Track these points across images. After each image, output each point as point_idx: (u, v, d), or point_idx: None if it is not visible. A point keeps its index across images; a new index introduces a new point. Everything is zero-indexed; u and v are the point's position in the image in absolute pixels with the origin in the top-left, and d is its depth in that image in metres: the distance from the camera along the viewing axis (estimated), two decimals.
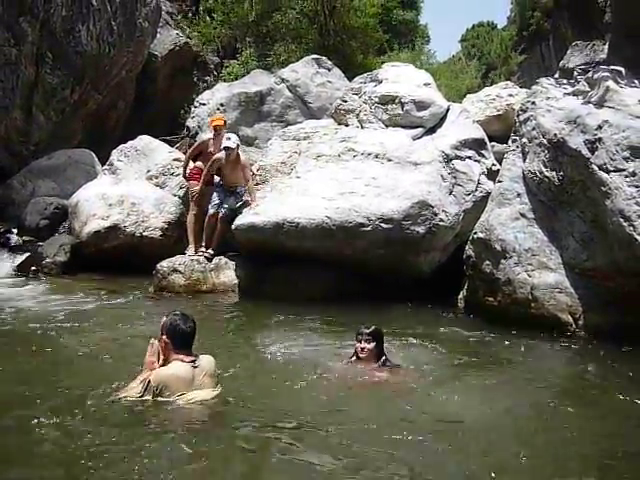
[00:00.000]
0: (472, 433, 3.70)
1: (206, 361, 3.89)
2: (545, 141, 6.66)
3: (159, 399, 3.67)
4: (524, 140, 7.01)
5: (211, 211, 8.48)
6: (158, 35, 16.72)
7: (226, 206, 8.43)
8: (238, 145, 8.55)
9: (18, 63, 11.80)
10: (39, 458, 3.17)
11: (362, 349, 4.68)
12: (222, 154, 8.45)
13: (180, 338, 3.80)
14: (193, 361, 3.79)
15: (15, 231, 10.45)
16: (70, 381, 4.32)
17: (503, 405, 4.26)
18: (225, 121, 9.14)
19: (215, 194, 8.58)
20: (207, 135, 9.34)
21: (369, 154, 8.24)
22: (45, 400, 3.85)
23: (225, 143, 8.39)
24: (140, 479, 2.93)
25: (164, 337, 3.82)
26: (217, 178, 8.83)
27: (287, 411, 3.89)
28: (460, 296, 7.66)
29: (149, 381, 3.68)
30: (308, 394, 4.27)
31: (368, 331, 4.72)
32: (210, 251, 8.32)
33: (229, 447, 3.36)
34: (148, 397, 3.67)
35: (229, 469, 3.16)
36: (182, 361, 3.77)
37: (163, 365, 3.82)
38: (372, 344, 4.68)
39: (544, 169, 6.62)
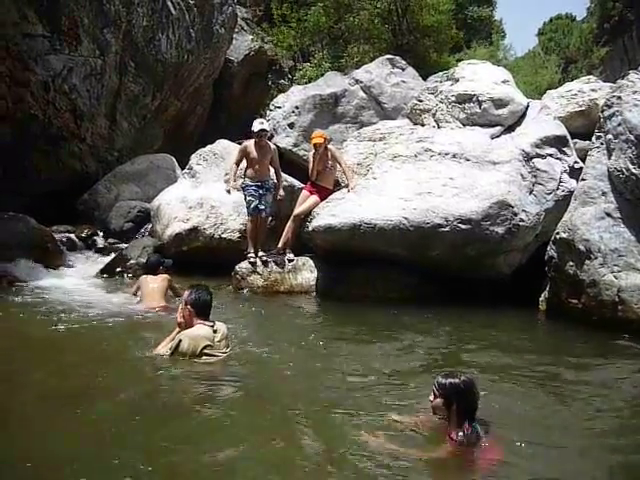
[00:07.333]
0: None
1: (222, 327, 4.81)
2: (632, 137, 6.41)
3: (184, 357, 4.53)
4: (609, 136, 6.76)
5: (251, 217, 8.41)
6: (234, 41, 17.06)
7: (264, 207, 8.38)
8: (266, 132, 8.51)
9: (103, 73, 12.26)
10: None
11: (430, 400, 3.49)
12: (251, 141, 8.42)
13: (201, 307, 4.73)
14: (212, 325, 4.72)
15: (101, 234, 10.93)
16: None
17: None
18: (325, 139, 8.75)
19: (249, 197, 8.38)
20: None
21: (446, 154, 8.13)
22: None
23: (257, 126, 8.29)
24: None
25: (188, 307, 4.71)
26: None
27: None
28: (542, 297, 7.45)
29: (180, 341, 4.54)
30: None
31: (439, 382, 3.45)
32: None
33: None
34: (177, 355, 4.53)
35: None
36: (204, 324, 4.70)
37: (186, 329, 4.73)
38: (439, 400, 3.42)
39: (631, 166, 6.38)
